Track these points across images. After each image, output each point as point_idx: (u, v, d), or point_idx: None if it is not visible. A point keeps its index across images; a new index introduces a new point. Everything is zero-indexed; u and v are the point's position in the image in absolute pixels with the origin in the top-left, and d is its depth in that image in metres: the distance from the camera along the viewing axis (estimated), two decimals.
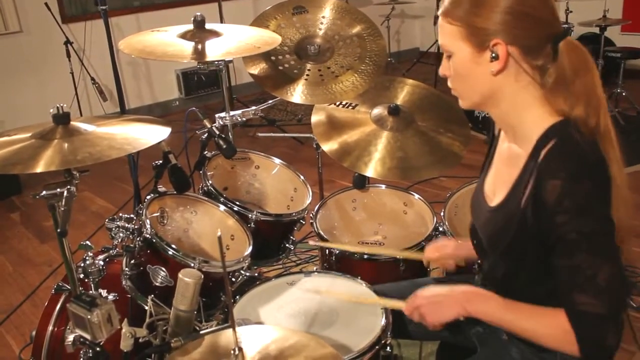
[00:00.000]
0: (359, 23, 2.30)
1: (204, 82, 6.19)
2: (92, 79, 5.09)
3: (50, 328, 1.82)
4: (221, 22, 5.40)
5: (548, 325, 1.15)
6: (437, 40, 6.88)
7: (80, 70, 5.16)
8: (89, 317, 1.09)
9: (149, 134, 1.43)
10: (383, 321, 1.45)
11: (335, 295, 1.56)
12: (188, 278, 1.37)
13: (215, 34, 1.93)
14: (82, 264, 1.54)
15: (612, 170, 1.13)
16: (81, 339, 1.19)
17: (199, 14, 1.96)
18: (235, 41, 1.91)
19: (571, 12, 4.37)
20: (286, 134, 4.56)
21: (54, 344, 1.80)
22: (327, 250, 1.96)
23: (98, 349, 1.17)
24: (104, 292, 1.56)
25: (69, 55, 4.91)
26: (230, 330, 1.11)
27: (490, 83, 1.19)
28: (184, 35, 1.91)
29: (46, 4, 4.83)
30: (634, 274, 2.79)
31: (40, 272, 3.21)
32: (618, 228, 1.12)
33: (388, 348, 1.42)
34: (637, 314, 2.49)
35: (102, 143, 1.36)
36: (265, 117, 5.28)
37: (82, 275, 1.54)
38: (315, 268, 1.80)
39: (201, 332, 1.32)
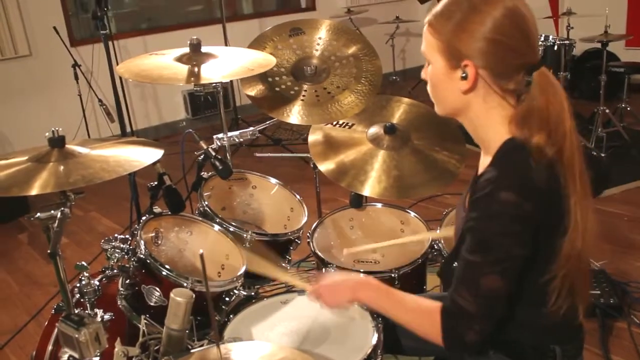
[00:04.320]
0: (354, 43, 2.34)
1: (210, 103, 6.25)
2: (100, 100, 5.16)
3: (49, 348, 1.84)
4: (225, 43, 5.47)
5: (421, 323, 1.26)
6: None
7: (88, 92, 5.24)
8: (76, 336, 1.12)
9: (142, 156, 1.46)
10: (374, 339, 1.46)
11: None
12: (180, 297, 1.39)
13: (211, 56, 1.97)
14: (78, 285, 1.56)
15: (570, 202, 1.17)
16: (71, 358, 1.21)
17: (195, 37, 2.00)
18: (229, 64, 1.95)
19: (572, 28, 4.39)
20: (284, 154, 4.62)
21: None
22: (324, 269, 1.98)
23: None
24: (100, 312, 1.58)
25: (77, 78, 4.99)
26: (221, 347, 1.14)
27: (460, 99, 1.25)
28: (180, 59, 1.95)
29: (54, 28, 4.93)
30: (637, 289, 2.78)
31: (46, 292, 3.24)
32: (570, 257, 1.18)
33: None
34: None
35: (95, 165, 1.40)
36: (271, 136, 5.33)
37: (78, 296, 1.56)
38: None
39: (191, 350, 1.34)
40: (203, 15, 6.36)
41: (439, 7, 1.24)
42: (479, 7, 1.16)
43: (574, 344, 1.37)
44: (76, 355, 1.14)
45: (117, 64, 2.62)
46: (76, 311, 1.25)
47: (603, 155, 4.34)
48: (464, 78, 1.20)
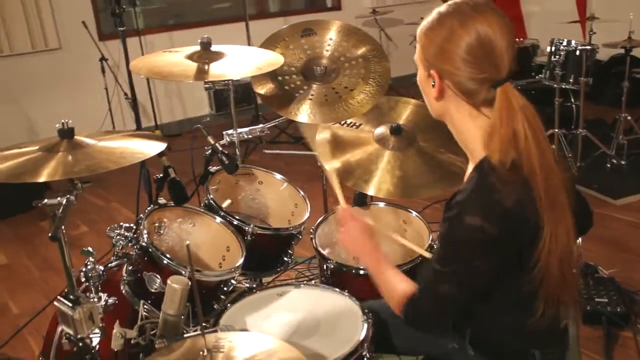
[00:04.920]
0: (364, 44, 2.37)
1: (234, 99, 6.33)
2: (125, 94, 5.29)
3: (59, 328, 1.93)
4: (248, 41, 5.55)
5: (391, 301, 1.41)
6: None
7: (115, 86, 5.37)
8: (71, 314, 1.19)
9: (145, 148, 1.53)
10: (363, 334, 1.51)
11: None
12: (176, 284, 1.45)
13: (220, 55, 2.03)
14: (84, 269, 1.64)
15: (541, 217, 1.20)
16: (67, 335, 1.28)
17: (206, 36, 2.07)
18: (238, 62, 2.00)
19: (595, 33, 4.35)
20: (290, 152, 4.86)
21: (62, 343, 1.91)
22: (324, 265, 2.02)
23: (81, 344, 1.26)
24: (104, 296, 1.65)
25: (103, 71, 5.13)
26: (213, 334, 1.20)
27: (437, 104, 1.33)
28: (191, 57, 2.02)
29: (83, 22, 5.07)
30: None
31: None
32: (547, 270, 1.23)
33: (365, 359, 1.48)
34: None
35: (100, 156, 1.47)
36: (292, 135, 5.40)
37: (83, 279, 1.64)
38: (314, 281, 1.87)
39: (184, 335, 1.40)
40: (231, 13, 6.45)
41: (427, 21, 1.31)
42: (456, 31, 1.23)
43: (555, 348, 1.40)
44: (71, 332, 1.21)
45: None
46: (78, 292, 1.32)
47: (623, 162, 4.30)
48: (433, 86, 1.29)
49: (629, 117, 4.40)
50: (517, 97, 1.23)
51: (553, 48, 4.31)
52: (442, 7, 1.29)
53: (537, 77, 4.55)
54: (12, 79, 5.16)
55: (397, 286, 1.40)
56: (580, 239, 1.94)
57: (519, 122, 1.21)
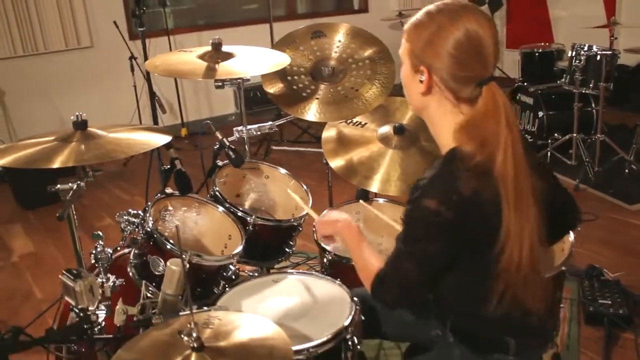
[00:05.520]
0: (371, 46, 2.46)
1: (259, 98, 6.47)
2: (154, 92, 5.46)
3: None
4: (272, 42, 5.67)
5: (363, 275, 1.52)
6: None
7: (143, 84, 5.55)
8: (73, 285, 1.32)
9: (151, 140, 1.65)
10: (349, 319, 1.60)
11: None
12: (174, 266, 1.57)
13: (230, 55, 2.15)
14: (94, 252, 1.77)
15: (504, 214, 1.26)
16: (71, 307, 1.41)
17: (217, 37, 2.18)
18: (246, 62, 2.12)
19: (616, 38, 4.35)
20: (298, 148, 5.01)
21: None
22: (324, 257, 2.12)
23: (82, 314, 1.39)
24: (112, 277, 1.78)
25: (132, 70, 5.31)
26: (206, 312, 1.31)
27: (420, 99, 1.39)
28: (202, 56, 2.14)
29: (115, 22, 5.26)
30: None
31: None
32: (508, 267, 1.29)
33: (350, 343, 1.56)
34: None
35: (109, 146, 1.60)
36: (314, 135, 5.50)
37: (93, 261, 1.77)
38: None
39: (180, 314, 1.51)
40: (258, 14, 6.58)
41: (415, 17, 1.38)
42: (445, 27, 1.30)
43: (531, 338, 1.46)
44: (72, 302, 1.34)
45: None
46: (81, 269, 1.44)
47: None
48: (421, 82, 1.35)
49: None
50: (501, 96, 1.30)
51: (574, 53, 4.32)
52: (431, 6, 1.36)
53: (558, 82, 4.57)
54: (47, 76, 5.40)
55: (369, 261, 1.50)
56: (573, 238, 2.00)
57: (501, 120, 1.28)
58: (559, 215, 1.51)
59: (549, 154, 4.52)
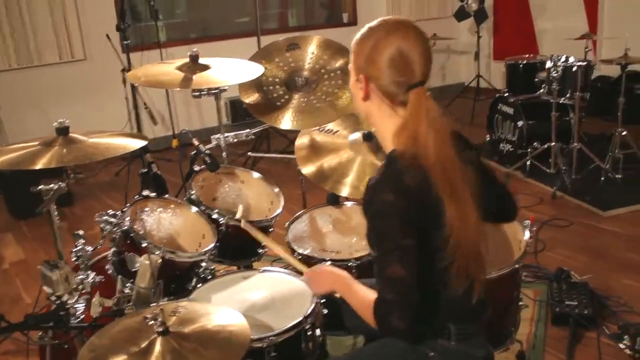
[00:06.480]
0: (341, 57, 2.60)
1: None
2: (145, 104, 5.60)
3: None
4: None
5: (364, 313, 1.48)
6: (477, 75, 7.10)
7: (135, 96, 5.69)
8: (49, 274, 1.45)
9: (128, 144, 1.78)
10: (309, 311, 1.71)
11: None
12: (147, 261, 1.69)
13: (206, 67, 2.28)
14: (74, 250, 1.89)
15: (445, 200, 1.40)
16: (48, 295, 1.54)
17: (195, 49, 2.32)
18: (221, 73, 2.25)
19: (590, 50, 4.50)
20: (273, 155, 5.13)
21: None
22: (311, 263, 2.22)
23: (58, 302, 1.51)
24: (92, 274, 1.89)
25: (124, 82, 5.45)
26: (174, 302, 1.43)
27: (363, 106, 1.55)
28: (180, 68, 2.27)
29: (107, 35, 5.40)
30: (617, 304, 2.89)
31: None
32: (457, 246, 1.42)
33: (309, 333, 1.68)
34: (610, 341, 2.60)
35: (88, 149, 1.73)
36: None
37: (74, 259, 1.89)
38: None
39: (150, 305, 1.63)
40: (253, 27, 6.69)
41: (360, 34, 1.54)
42: (381, 42, 1.47)
43: (470, 323, 1.58)
44: (50, 291, 1.47)
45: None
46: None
47: (618, 176, 4.41)
48: (361, 89, 1.52)
49: (623, 132, 4.49)
50: (426, 99, 1.46)
51: (552, 64, 4.47)
52: (373, 23, 1.53)
53: (537, 92, 4.71)
54: (41, 88, 5.54)
55: (365, 299, 1.48)
56: (530, 225, 2.15)
57: (424, 120, 1.43)
58: (496, 209, 1.67)
59: (528, 163, 4.64)
